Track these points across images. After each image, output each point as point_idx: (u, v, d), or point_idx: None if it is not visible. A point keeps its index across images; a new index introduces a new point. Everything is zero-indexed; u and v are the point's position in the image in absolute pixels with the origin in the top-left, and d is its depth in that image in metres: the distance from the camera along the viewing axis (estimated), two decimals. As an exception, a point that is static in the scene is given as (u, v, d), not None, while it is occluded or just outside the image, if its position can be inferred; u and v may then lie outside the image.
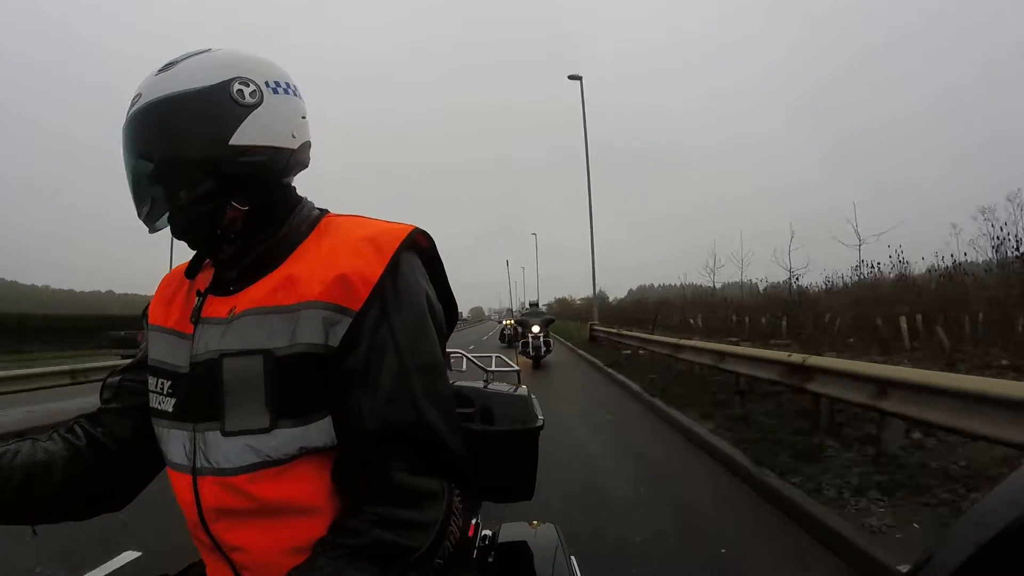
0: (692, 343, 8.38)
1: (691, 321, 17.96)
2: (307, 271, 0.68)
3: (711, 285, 20.76)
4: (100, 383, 0.85)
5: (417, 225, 0.74)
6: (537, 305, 16.59)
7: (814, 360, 4.56)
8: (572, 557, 1.10)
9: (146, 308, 0.83)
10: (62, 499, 0.73)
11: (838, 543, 2.77)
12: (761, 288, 18.08)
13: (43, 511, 0.73)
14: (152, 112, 0.67)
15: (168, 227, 0.71)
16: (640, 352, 11.40)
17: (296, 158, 0.74)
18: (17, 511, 0.71)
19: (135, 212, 0.70)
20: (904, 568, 2.25)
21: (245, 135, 0.68)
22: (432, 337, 0.71)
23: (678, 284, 24.87)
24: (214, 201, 0.69)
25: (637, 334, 13.10)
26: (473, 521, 1.00)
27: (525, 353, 11.92)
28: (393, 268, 0.68)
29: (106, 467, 0.76)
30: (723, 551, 2.80)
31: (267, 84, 0.70)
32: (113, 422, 0.78)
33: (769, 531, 3.11)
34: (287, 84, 0.73)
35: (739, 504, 3.58)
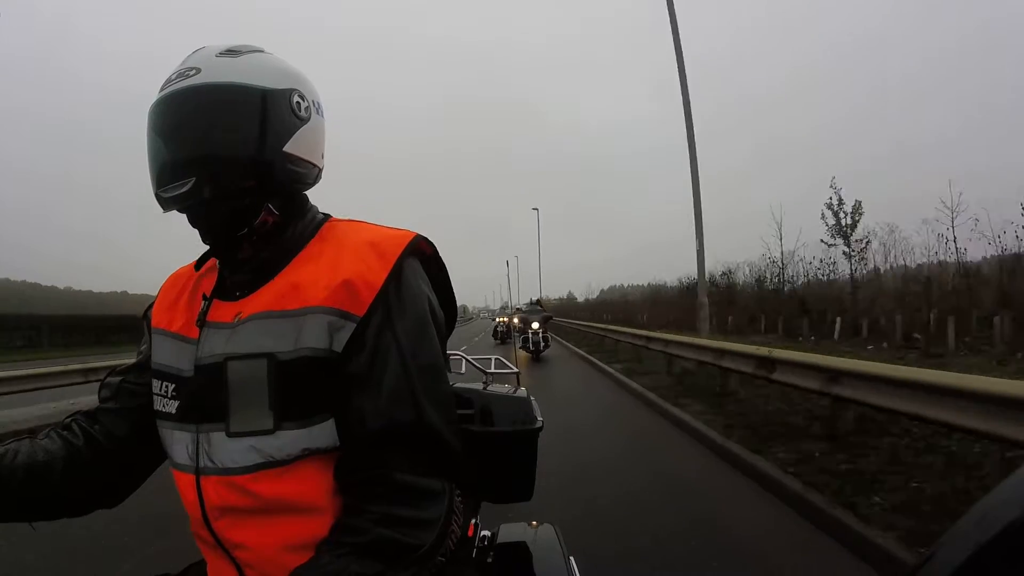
0: (574, 321, 27.19)
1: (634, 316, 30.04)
2: (311, 276, 0.68)
3: (668, 283, 29.49)
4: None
5: (418, 232, 0.75)
6: (538, 303, 16.77)
7: (656, 333, 9.55)
8: (571, 558, 1.10)
9: (146, 310, 0.83)
10: (61, 497, 0.74)
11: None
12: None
13: (43, 509, 0.73)
14: (218, 93, 0.67)
15: (179, 212, 0.70)
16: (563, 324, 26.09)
17: (319, 177, 0.77)
18: (19, 510, 0.71)
19: (136, 197, 0.69)
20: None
21: (295, 146, 0.70)
22: (433, 340, 0.72)
23: (644, 284, 30.02)
24: (253, 199, 0.70)
25: (564, 319, 29.53)
26: (472, 521, 0.99)
27: (525, 348, 12.16)
28: (396, 274, 0.69)
29: (103, 465, 0.76)
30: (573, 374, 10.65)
31: (314, 103, 0.74)
32: (111, 421, 0.78)
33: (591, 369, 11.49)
34: (321, 107, 0.76)
35: (580, 363, 12.44)
